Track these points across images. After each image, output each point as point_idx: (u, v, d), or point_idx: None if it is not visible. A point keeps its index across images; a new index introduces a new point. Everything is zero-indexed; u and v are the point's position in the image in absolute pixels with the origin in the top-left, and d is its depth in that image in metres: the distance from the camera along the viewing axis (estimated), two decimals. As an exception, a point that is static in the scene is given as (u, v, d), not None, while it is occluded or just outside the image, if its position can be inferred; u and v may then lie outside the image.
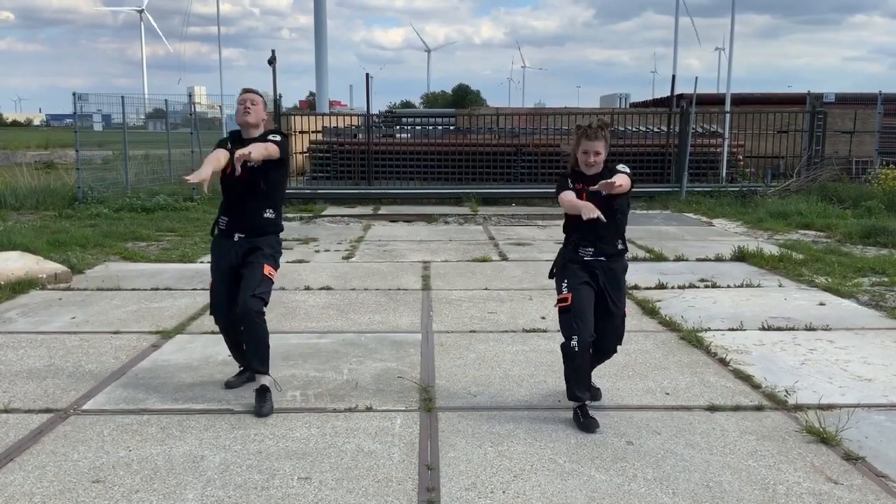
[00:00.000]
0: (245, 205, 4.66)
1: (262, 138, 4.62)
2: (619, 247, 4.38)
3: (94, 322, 6.52)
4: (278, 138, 4.67)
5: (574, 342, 4.21)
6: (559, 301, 4.36)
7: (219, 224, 4.77)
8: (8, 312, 6.80)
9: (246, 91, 4.77)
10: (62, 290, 7.71)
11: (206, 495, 3.49)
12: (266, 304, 4.59)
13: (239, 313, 4.53)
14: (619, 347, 4.60)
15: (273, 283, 4.67)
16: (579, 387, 4.30)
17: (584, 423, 4.27)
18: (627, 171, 4.27)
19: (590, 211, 4.06)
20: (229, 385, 4.90)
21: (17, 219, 13.33)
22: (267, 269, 4.61)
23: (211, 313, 4.87)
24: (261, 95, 4.80)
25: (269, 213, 4.71)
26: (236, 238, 4.68)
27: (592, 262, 4.34)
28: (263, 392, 4.56)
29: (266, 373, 4.61)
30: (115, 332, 6.16)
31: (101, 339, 5.98)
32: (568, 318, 4.28)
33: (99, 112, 21.33)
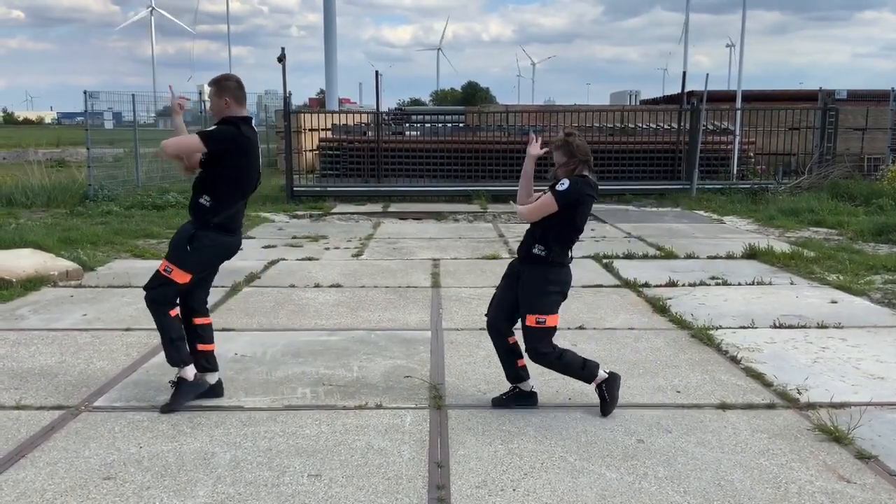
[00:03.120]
0: (192, 195, 4.61)
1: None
2: (535, 251, 4.39)
3: (105, 319, 6.55)
4: (209, 129, 4.52)
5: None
6: None
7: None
8: (20, 309, 6.83)
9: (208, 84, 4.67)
10: (73, 288, 7.75)
11: (216, 492, 3.50)
12: (155, 289, 4.52)
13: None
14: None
15: (166, 273, 4.49)
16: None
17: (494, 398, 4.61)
18: (562, 189, 4.32)
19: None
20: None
21: (29, 216, 13.40)
22: (163, 265, 4.53)
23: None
24: (213, 84, 4.53)
25: (204, 200, 4.50)
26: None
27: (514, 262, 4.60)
28: (179, 384, 4.57)
29: (180, 368, 4.58)
30: (126, 329, 6.18)
31: (113, 336, 6.01)
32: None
33: (110, 110, 21.46)
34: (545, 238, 4.36)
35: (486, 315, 4.67)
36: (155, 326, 4.54)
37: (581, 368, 4.46)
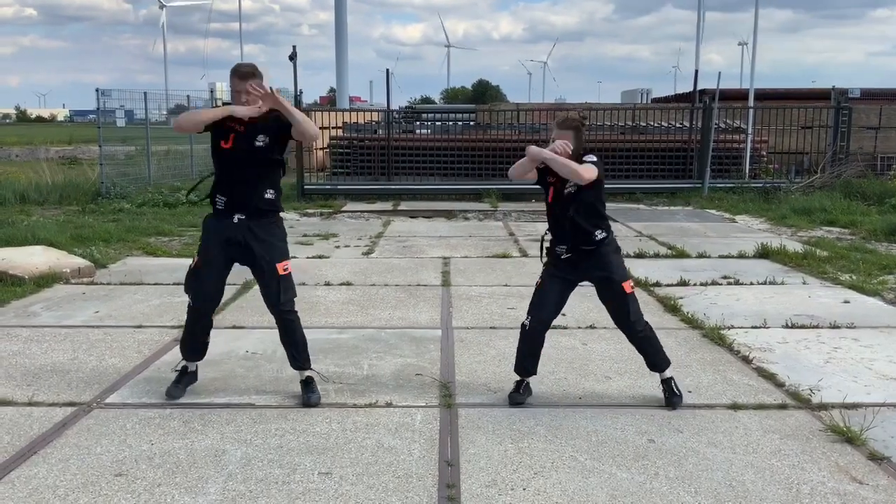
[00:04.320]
0: (246, 182, 4.38)
1: (267, 116, 4.33)
2: (597, 237, 4.43)
3: (117, 316, 6.58)
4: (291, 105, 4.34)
5: (527, 322, 4.51)
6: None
7: (215, 203, 4.47)
8: (32, 306, 6.87)
9: (239, 79, 4.31)
10: (85, 285, 7.78)
11: (227, 489, 3.51)
12: (294, 301, 4.59)
13: (279, 321, 4.56)
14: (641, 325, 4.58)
15: (292, 276, 4.59)
16: (520, 362, 4.62)
17: (512, 394, 4.59)
18: (593, 159, 4.31)
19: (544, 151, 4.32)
20: (172, 395, 4.60)
21: (41, 214, 13.47)
22: (281, 268, 4.47)
23: (186, 291, 4.55)
24: (258, 73, 4.36)
25: (269, 194, 4.44)
26: (236, 220, 4.41)
27: (566, 258, 4.49)
28: (310, 382, 4.63)
29: (311, 368, 4.66)
30: (138, 327, 6.21)
31: (125, 334, 6.03)
32: (534, 299, 4.57)
33: (122, 108, 21.50)
34: (594, 221, 4.42)
35: (530, 315, 4.51)
36: (177, 323, 4.55)
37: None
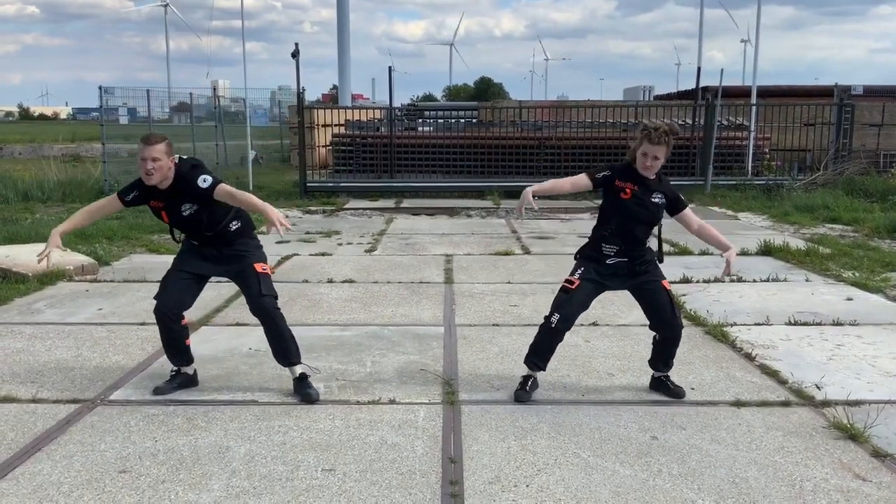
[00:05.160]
0: (203, 235, 4.54)
1: (181, 188, 4.38)
2: (651, 257, 4.62)
3: (120, 313, 6.59)
4: (206, 183, 4.34)
5: (554, 319, 4.45)
6: (566, 281, 4.54)
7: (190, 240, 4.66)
8: (36, 304, 6.89)
9: (145, 144, 4.32)
10: (89, 282, 7.80)
11: (231, 486, 3.51)
12: (276, 297, 4.59)
13: (257, 315, 4.55)
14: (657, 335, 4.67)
15: (270, 276, 4.63)
16: (534, 356, 4.61)
17: (518, 392, 4.58)
18: (682, 199, 4.56)
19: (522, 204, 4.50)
20: (159, 391, 4.64)
21: (45, 211, 13.50)
22: (259, 267, 4.54)
23: (155, 298, 4.59)
24: (160, 142, 4.37)
25: (233, 226, 4.55)
26: (207, 253, 4.59)
27: (615, 264, 4.53)
28: (304, 378, 4.62)
29: (300, 363, 4.65)
30: (142, 324, 6.22)
31: (128, 331, 6.04)
32: (564, 297, 4.49)
33: (124, 105, 21.54)
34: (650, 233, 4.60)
35: (559, 314, 4.46)
36: None
37: None
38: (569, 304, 4.46)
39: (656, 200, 4.48)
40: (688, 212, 4.57)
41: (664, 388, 4.66)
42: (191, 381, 4.76)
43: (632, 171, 4.44)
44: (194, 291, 4.63)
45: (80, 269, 8.06)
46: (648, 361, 4.75)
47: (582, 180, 4.52)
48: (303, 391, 4.58)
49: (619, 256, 4.51)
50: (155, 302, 4.56)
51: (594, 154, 17.36)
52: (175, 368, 4.74)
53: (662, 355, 4.66)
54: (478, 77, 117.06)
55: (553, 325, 4.47)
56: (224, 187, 4.41)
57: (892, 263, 8.69)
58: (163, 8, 49.75)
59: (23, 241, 9.20)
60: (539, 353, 4.60)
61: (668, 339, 4.61)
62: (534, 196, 4.46)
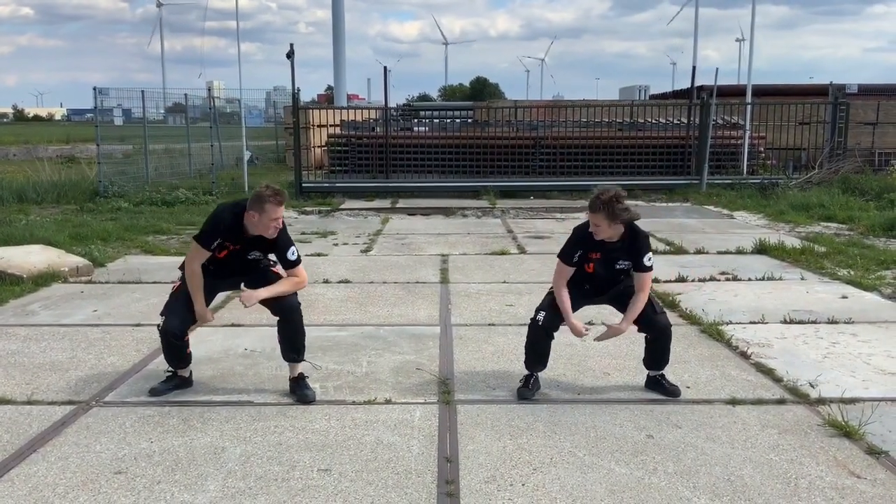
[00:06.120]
0: (245, 270, 4.69)
1: (265, 244, 4.51)
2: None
3: (115, 315, 6.58)
4: (294, 256, 4.55)
5: (539, 318, 4.56)
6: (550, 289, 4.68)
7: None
8: (31, 305, 6.87)
9: (278, 206, 4.36)
10: (84, 284, 7.78)
11: (226, 486, 3.51)
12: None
13: (280, 313, 4.59)
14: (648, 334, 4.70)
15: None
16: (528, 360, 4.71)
17: (521, 389, 4.64)
18: (649, 265, 4.50)
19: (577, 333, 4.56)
20: (155, 392, 4.63)
21: (39, 213, 13.46)
22: (277, 269, 4.68)
23: (162, 314, 4.58)
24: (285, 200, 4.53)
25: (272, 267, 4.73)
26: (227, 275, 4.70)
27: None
28: (302, 378, 4.66)
29: (303, 360, 4.71)
30: (137, 325, 6.21)
31: (123, 332, 6.03)
32: (549, 300, 4.61)
33: (119, 106, 21.52)
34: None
35: (544, 314, 4.58)
36: None
37: None
38: (551, 306, 4.58)
39: (620, 267, 4.53)
40: (645, 276, 4.52)
41: (660, 387, 4.67)
42: (186, 383, 4.76)
43: (591, 238, 4.51)
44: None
45: (74, 271, 8.05)
46: (643, 361, 4.76)
47: (564, 272, 4.59)
48: (300, 391, 4.59)
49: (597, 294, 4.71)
50: (162, 320, 4.56)
51: (590, 153, 17.36)
52: (171, 370, 4.73)
53: (654, 354, 4.67)
54: (473, 77, 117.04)
55: (539, 324, 4.55)
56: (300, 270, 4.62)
57: (886, 262, 8.71)
58: (157, 8, 49.67)
59: (17, 243, 9.17)
60: (533, 354, 4.66)
61: (656, 338, 4.62)
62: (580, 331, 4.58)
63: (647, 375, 4.75)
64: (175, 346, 4.58)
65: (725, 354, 5.45)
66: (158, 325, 4.57)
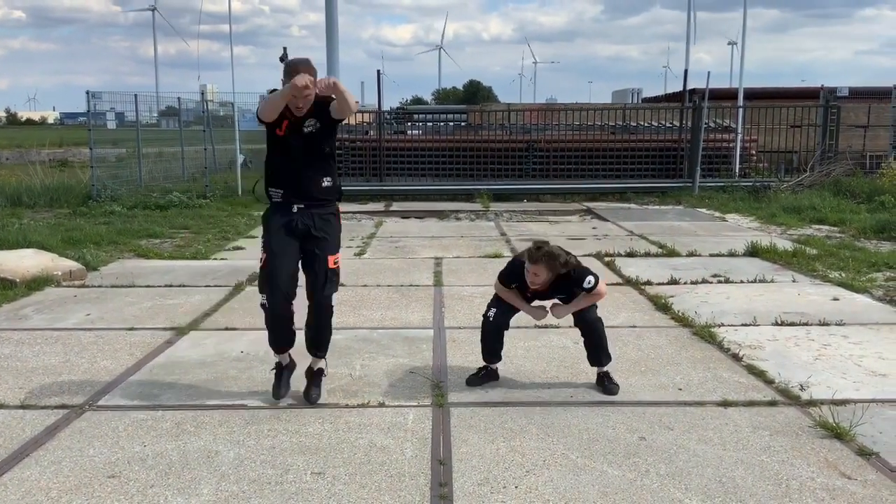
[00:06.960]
0: (301, 172, 4.42)
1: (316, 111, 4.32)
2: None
3: (108, 319, 6.57)
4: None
5: (490, 314, 4.82)
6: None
7: (271, 196, 4.52)
8: (24, 309, 6.86)
9: (302, 66, 4.17)
10: (77, 288, 7.77)
11: (220, 490, 3.51)
12: (334, 295, 4.63)
13: (315, 307, 4.56)
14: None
15: (340, 270, 4.65)
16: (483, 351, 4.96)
17: (469, 377, 4.92)
18: (589, 287, 4.60)
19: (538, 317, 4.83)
20: (277, 395, 4.64)
21: (32, 217, 13.43)
22: (332, 261, 4.53)
23: (262, 291, 4.51)
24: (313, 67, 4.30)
25: (327, 182, 4.48)
26: (295, 209, 4.45)
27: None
28: (319, 375, 4.70)
29: (324, 357, 4.73)
30: (130, 329, 6.20)
31: (116, 336, 6.03)
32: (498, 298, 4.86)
33: (112, 110, 21.48)
34: None
35: (495, 310, 4.82)
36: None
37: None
38: (499, 302, 4.83)
39: (558, 300, 4.78)
40: (590, 296, 4.66)
41: (601, 384, 4.80)
42: (292, 368, 4.82)
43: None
44: (296, 267, 4.54)
45: (68, 275, 8.03)
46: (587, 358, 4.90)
47: (503, 290, 4.83)
48: (314, 388, 4.63)
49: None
50: (266, 295, 4.49)
51: (583, 156, 17.41)
52: (273, 368, 4.77)
53: (589, 349, 4.84)
54: (467, 80, 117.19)
55: (490, 320, 4.81)
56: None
57: (877, 264, 8.76)
58: (150, 12, 49.61)
59: (10, 247, 9.15)
60: (485, 348, 4.91)
61: (585, 332, 4.80)
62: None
63: (596, 373, 4.88)
64: (285, 320, 4.55)
65: (717, 356, 5.47)
66: (262, 304, 4.53)
